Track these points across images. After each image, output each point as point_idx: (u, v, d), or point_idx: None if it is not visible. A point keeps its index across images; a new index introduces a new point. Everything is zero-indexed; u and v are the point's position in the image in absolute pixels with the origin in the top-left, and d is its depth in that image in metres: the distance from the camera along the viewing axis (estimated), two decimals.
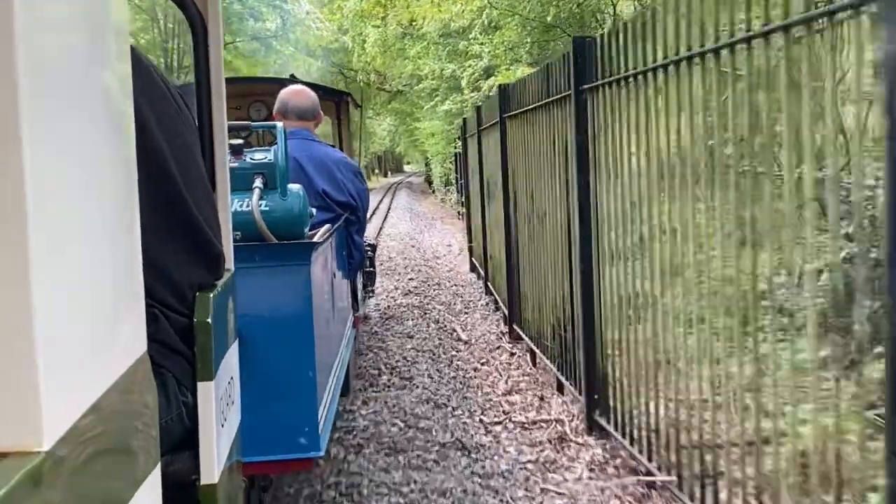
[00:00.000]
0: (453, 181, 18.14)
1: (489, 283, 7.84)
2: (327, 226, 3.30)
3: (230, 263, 1.80)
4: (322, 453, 2.57)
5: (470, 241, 9.97)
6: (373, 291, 6.51)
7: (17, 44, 0.72)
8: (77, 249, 0.89)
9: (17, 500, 0.67)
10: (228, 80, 1.78)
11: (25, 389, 0.73)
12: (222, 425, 1.64)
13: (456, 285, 9.08)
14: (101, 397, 0.90)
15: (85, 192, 0.93)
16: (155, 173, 1.44)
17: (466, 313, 7.34)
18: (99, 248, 0.98)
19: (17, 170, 0.72)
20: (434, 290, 8.79)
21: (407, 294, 8.48)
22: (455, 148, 15.41)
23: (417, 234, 15.22)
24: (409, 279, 9.58)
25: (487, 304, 7.68)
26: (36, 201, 0.74)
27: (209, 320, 1.57)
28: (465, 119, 9.89)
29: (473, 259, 9.57)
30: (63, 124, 0.85)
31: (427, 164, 33.99)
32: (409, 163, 49.72)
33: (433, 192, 28.05)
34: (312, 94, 3.99)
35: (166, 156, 1.50)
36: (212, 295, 1.60)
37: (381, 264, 10.36)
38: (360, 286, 5.05)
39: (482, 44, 13.70)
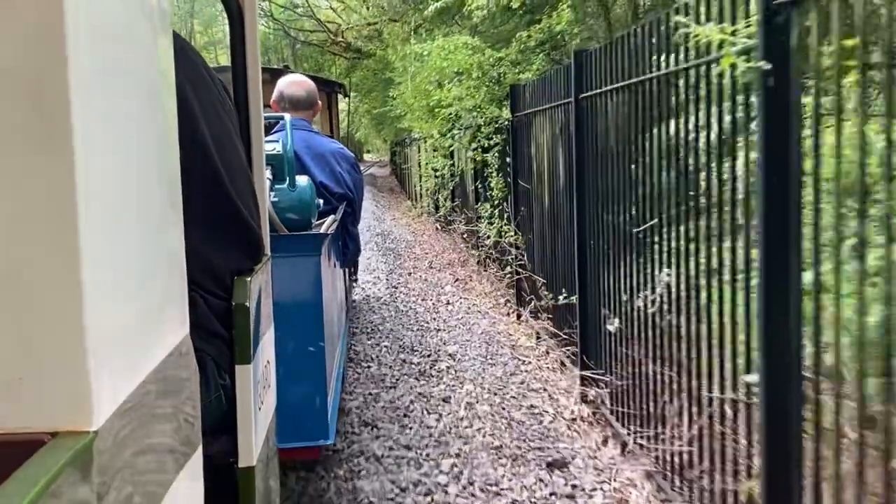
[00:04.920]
0: (493, 191, 6.52)
1: None
2: (332, 217, 3.31)
3: (267, 249, 1.81)
4: (331, 441, 2.59)
5: None
6: (356, 279, 6.53)
7: (68, 34, 0.74)
8: (125, 234, 0.91)
9: (67, 478, 0.70)
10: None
11: (75, 371, 0.76)
12: (259, 408, 1.65)
13: None
14: (147, 379, 0.93)
15: (132, 177, 0.95)
16: (195, 158, 1.44)
17: None
18: (145, 233, 1.00)
19: (68, 156, 0.75)
20: None
21: None
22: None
23: (419, 361, 4.72)
24: None
25: None
26: (85, 187, 0.76)
27: (247, 304, 1.58)
28: None
29: None
30: (111, 110, 0.88)
31: (396, 153, 23.01)
32: (368, 151, 44.68)
33: (409, 196, 16.79)
34: (309, 83, 3.96)
35: (207, 141, 1.50)
36: (250, 279, 1.61)
37: None
38: (347, 275, 5.07)
39: None
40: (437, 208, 11.20)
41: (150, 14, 1.06)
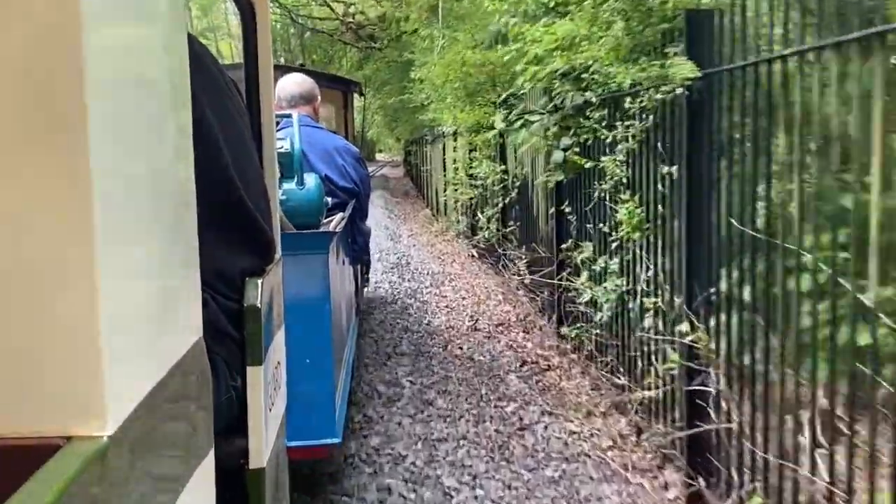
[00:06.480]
0: (623, 228, 3.38)
1: None
2: (340, 214, 3.32)
3: (278, 250, 1.81)
4: (339, 440, 2.59)
5: None
6: (368, 278, 6.52)
7: (84, 34, 0.74)
8: (139, 236, 0.91)
9: (81, 484, 0.70)
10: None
11: (89, 376, 0.75)
12: (270, 410, 1.65)
13: None
14: (160, 383, 0.93)
15: (146, 179, 0.95)
16: (207, 158, 1.43)
17: None
18: (159, 235, 1.00)
19: (83, 158, 0.74)
20: None
21: None
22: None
23: None
24: None
25: None
26: (100, 188, 0.76)
27: (258, 305, 1.57)
28: None
29: None
30: (126, 110, 0.87)
31: (411, 153, 19.73)
32: (381, 150, 43.64)
33: (428, 204, 14.19)
34: (303, 79, 4.01)
35: (219, 141, 1.50)
36: (261, 280, 1.61)
37: None
38: (358, 273, 5.07)
39: None
40: (473, 230, 8.15)
41: (165, 12, 1.06)
